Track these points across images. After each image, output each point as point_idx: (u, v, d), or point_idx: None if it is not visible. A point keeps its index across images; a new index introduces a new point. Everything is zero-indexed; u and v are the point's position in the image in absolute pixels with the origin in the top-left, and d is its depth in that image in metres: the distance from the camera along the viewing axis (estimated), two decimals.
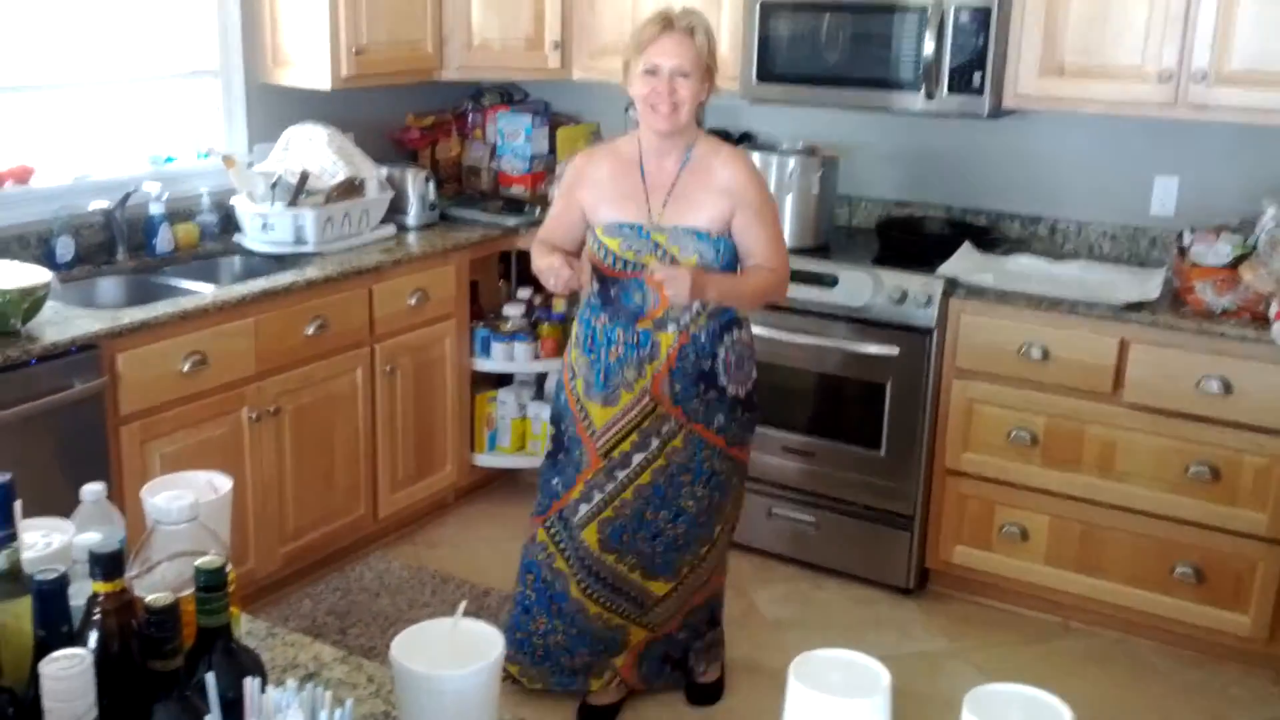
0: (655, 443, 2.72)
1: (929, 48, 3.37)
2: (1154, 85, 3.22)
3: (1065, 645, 3.37)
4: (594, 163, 2.80)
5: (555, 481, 2.85)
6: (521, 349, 4.04)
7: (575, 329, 2.82)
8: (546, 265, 2.66)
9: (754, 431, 2.88)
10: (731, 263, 2.68)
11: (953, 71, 3.39)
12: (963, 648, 3.34)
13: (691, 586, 2.87)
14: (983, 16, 3.32)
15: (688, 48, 2.58)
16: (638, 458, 2.73)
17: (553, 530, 2.85)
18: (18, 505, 1.25)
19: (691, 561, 2.84)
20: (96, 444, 2.83)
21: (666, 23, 2.59)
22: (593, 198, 2.75)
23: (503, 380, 4.22)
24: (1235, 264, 3.11)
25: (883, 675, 1.10)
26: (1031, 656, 3.30)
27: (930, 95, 3.42)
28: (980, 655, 3.30)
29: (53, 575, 1.12)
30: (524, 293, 4.19)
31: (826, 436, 3.58)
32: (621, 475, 2.74)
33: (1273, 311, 2.99)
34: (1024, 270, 3.48)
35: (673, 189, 2.68)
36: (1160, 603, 3.26)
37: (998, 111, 3.46)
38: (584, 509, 2.79)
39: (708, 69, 2.63)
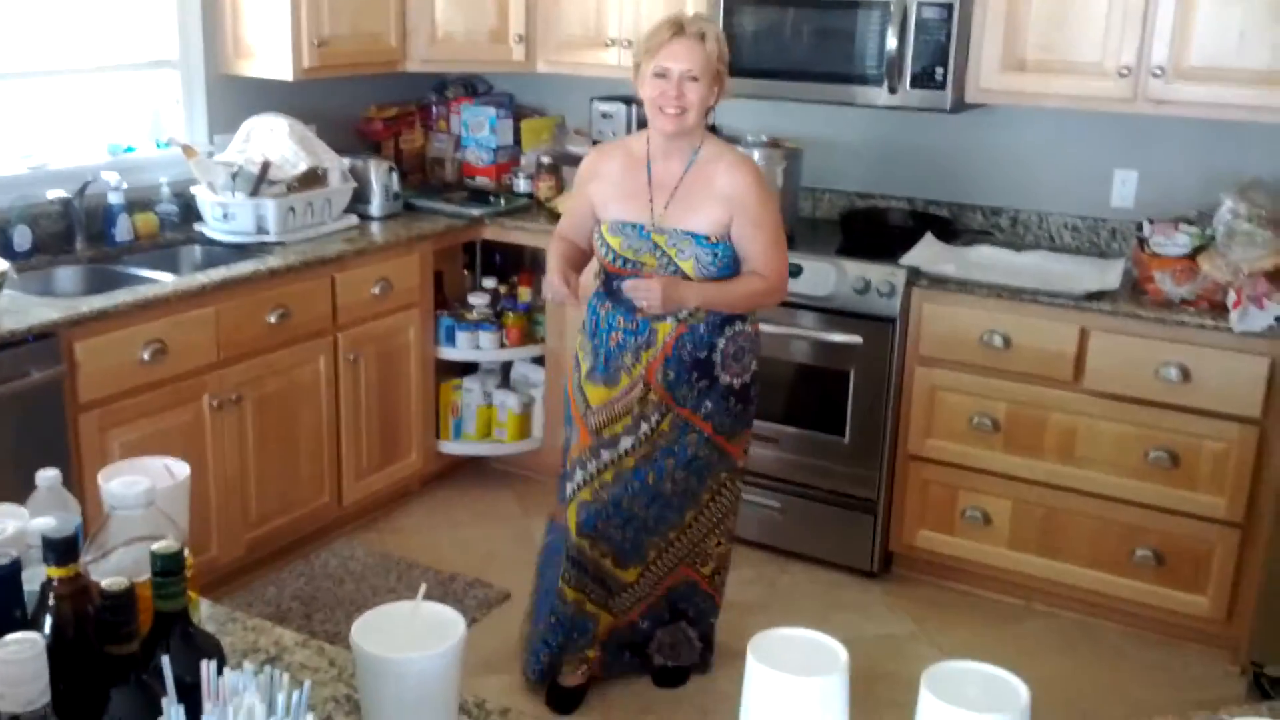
0: (644, 427, 2.74)
1: (892, 43, 3.39)
2: (1114, 81, 3.25)
3: (1028, 627, 3.41)
4: (605, 159, 2.83)
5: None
6: (487, 338, 4.03)
7: (584, 316, 2.87)
8: (550, 276, 2.77)
9: (748, 426, 2.87)
10: (731, 266, 2.69)
11: (915, 66, 3.40)
12: (926, 630, 3.37)
13: (658, 574, 2.88)
14: (945, 12, 3.34)
15: (698, 52, 2.60)
16: (626, 441, 2.75)
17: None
18: None
19: (659, 545, 2.85)
20: (56, 432, 2.80)
21: (678, 27, 2.62)
22: (601, 194, 2.78)
23: (469, 369, 4.21)
24: (1194, 255, 3.15)
25: (840, 654, 1.10)
26: (994, 638, 3.33)
27: (893, 90, 3.44)
28: (943, 637, 3.33)
29: (5, 560, 1.11)
30: (489, 282, 4.18)
31: (792, 423, 3.60)
32: (606, 455, 2.76)
33: (1230, 300, 3.03)
34: (986, 260, 3.51)
35: (675, 191, 2.70)
36: (1121, 585, 3.30)
37: (960, 105, 3.48)
38: (568, 487, 2.82)
39: (717, 73, 2.65)
